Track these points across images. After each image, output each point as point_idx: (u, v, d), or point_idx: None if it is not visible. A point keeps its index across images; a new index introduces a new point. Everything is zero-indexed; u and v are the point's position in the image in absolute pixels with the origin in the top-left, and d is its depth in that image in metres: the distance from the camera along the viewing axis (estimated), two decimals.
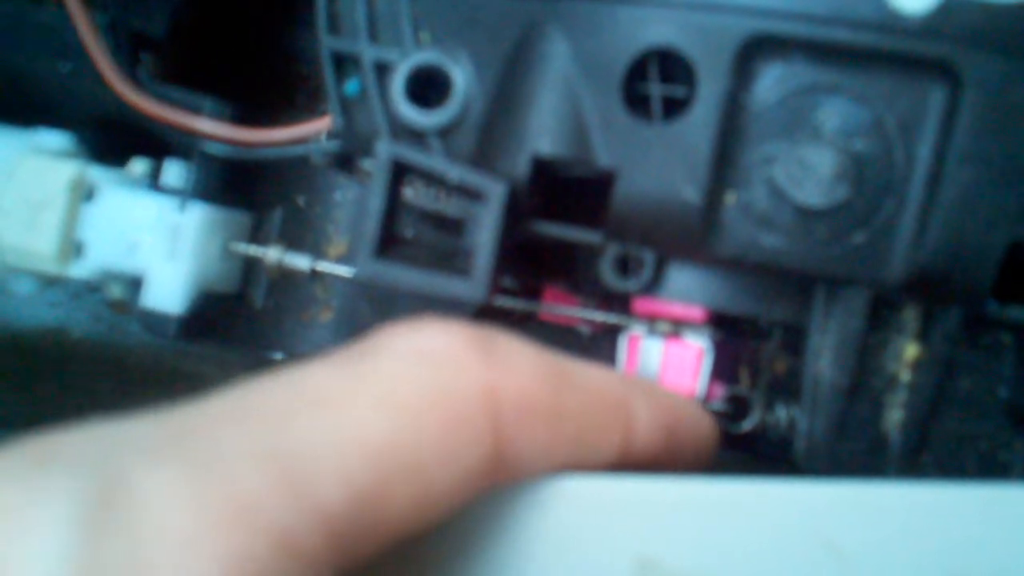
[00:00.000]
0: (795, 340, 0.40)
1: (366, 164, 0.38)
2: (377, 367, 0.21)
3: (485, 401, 0.21)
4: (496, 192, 0.32)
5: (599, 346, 0.44)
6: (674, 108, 0.32)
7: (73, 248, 0.41)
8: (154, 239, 0.41)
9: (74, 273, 0.42)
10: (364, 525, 0.19)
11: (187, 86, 0.44)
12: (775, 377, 0.38)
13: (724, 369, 0.37)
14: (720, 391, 0.37)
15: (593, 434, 0.24)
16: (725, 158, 0.31)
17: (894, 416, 0.34)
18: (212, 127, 0.41)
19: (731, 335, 0.38)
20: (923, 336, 0.34)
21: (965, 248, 0.31)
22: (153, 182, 0.43)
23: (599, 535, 0.23)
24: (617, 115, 0.32)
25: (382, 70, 0.34)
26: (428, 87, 0.34)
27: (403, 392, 0.20)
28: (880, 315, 0.34)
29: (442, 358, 0.22)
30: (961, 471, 0.35)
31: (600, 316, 0.38)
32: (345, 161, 0.40)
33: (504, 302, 0.39)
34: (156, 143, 0.45)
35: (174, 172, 0.43)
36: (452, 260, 0.34)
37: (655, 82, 0.32)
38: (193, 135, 0.42)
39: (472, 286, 0.32)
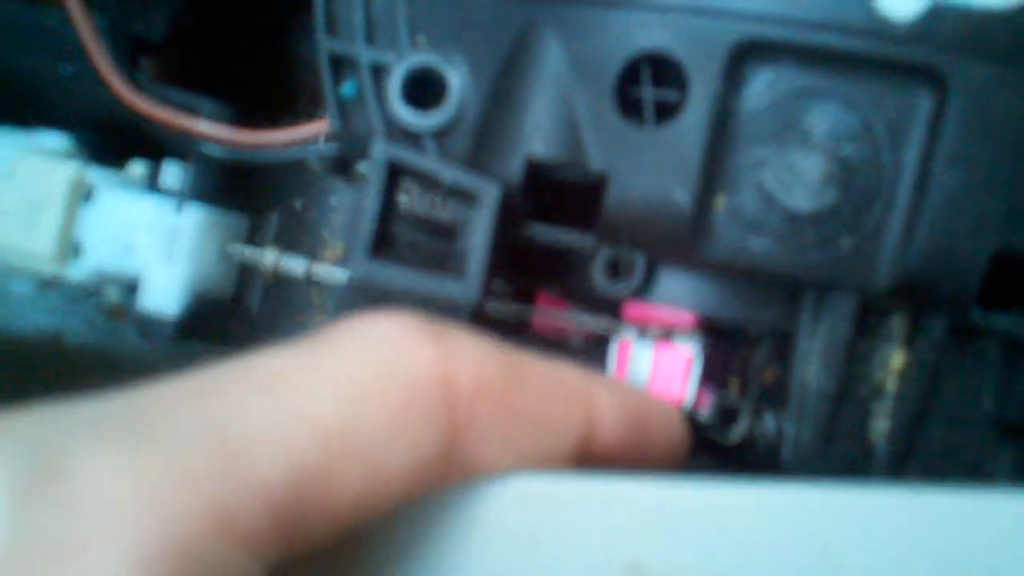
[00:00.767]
0: (785, 349, 0.40)
1: (362, 168, 0.39)
2: (330, 351, 0.21)
3: (438, 384, 0.21)
4: (490, 193, 0.32)
5: (592, 357, 0.44)
6: (666, 112, 0.32)
7: (71, 248, 0.42)
8: (151, 241, 0.41)
9: (71, 274, 0.42)
10: (309, 503, 0.19)
11: (188, 89, 0.45)
12: (765, 386, 0.38)
13: (714, 376, 0.38)
14: (709, 399, 0.37)
15: (552, 420, 0.23)
16: (716, 162, 0.32)
17: (881, 424, 0.35)
18: (210, 128, 0.42)
19: (721, 342, 0.38)
20: (910, 344, 0.34)
21: (951, 254, 0.31)
22: (151, 184, 0.44)
23: (579, 535, 0.23)
24: (610, 118, 0.32)
25: (378, 72, 0.35)
26: (424, 89, 0.34)
27: (354, 373, 0.21)
28: (868, 322, 0.34)
29: (395, 343, 0.22)
30: (947, 481, 0.35)
31: (591, 321, 0.38)
32: (343, 166, 0.41)
33: (497, 308, 0.39)
34: (155, 145, 0.45)
35: (172, 173, 0.44)
36: (446, 262, 0.34)
37: (647, 86, 0.32)
38: (191, 136, 0.42)
39: (465, 287, 0.32)
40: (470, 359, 0.22)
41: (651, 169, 0.32)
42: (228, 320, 0.45)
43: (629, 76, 0.32)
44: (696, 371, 0.36)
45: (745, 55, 0.31)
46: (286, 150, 0.41)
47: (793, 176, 0.31)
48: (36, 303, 0.53)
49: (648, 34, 0.32)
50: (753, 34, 0.31)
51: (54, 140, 0.43)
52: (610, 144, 0.32)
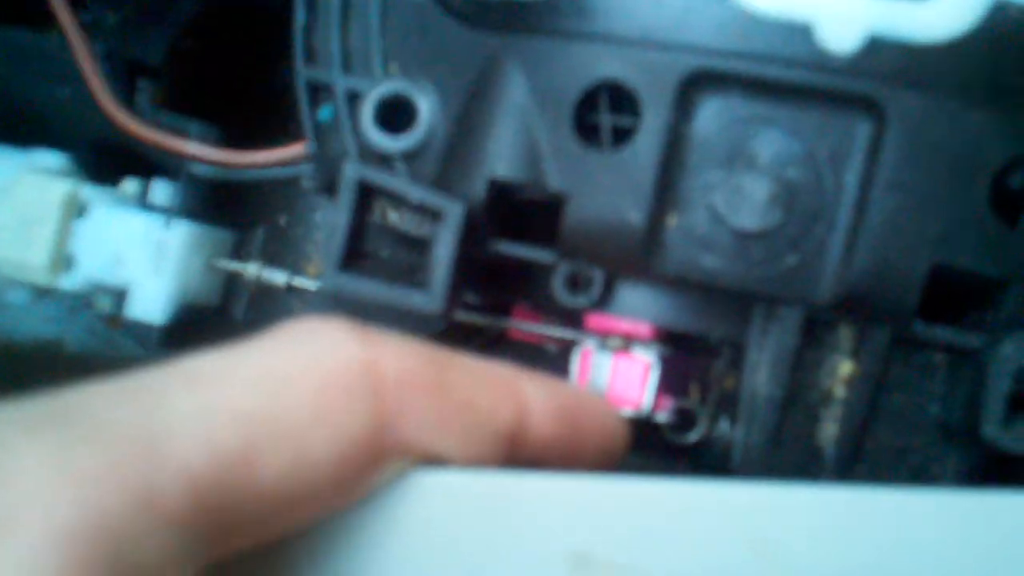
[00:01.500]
0: (744, 359, 0.42)
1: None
2: (255, 348, 0.22)
3: (360, 372, 0.22)
4: (454, 212, 0.34)
5: (566, 364, 0.46)
6: (623, 137, 0.34)
7: (64, 261, 0.44)
8: (140, 254, 0.43)
9: (65, 285, 0.44)
10: (233, 485, 0.19)
11: (185, 113, 0.46)
12: (724, 393, 0.40)
13: (674, 384, 0.40)
14: (668, 403, 0.39)
15: (483, 408, 0.24)
16: (668, 184, 0.34)
17: (829, 430, 0.36)
18: (198, 149, 0.44)
19: (682, 352, 0.40)
20: (856, 354, 0.36)
21: (890, 270, 0.33)
22: (143, 201, 0.46)
23: (523, 529, 0.23)
24: (568, 143, 0.34)
25: (353, 98, 0.37)
26: (395, 114, 0.36)
27: (276, 365, 0.21)
28: (816, 333, 0.36)
29: (319, 339, 0.22)
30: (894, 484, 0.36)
31: (557, 332, 0.40)
32: (331, 187, 0.43)
33: (470, 318, 0.41)
34: (148, 164, 0.47)
35: (161, 191, 0.46)
36: (415, 275, 0.36)
37: (605, 113, 0.34)
38: (181, 157, 0.44)
39: (430, 298, 0.34)
40: (396, 352, 0.23)
41: (607, 190, 0.34)
42: (214, 329, 0.47)
43: (588, 102, 0.34)
44: (654, 377, 0.38)
45: (695, 85, 0.33)
46: (271, 169, 0.44)
47: (741, 198, 0.33)
48: (35, 312, 0.55)
49: (605, 65, 0.33)
50: (702, 66, 0.33)
51: (50, 159, 0.46)
52: (568, 166, 0.34)
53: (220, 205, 0.47)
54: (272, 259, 0.48)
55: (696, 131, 0.34)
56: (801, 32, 0.32)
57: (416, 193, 0.34)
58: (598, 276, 0.36)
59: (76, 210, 0.44)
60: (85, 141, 0.47)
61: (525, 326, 0.41)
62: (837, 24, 0.32)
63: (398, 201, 0.35)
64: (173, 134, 0.44)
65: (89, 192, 0.45)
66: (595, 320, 0.38)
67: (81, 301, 0.54)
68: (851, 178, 0.33)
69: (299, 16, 0.38)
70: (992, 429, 0.33)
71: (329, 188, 0.43)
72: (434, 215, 0.35)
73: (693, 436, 0.39)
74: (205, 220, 0.46)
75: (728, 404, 0.40)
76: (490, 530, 0.23)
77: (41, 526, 0.17)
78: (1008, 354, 0.33)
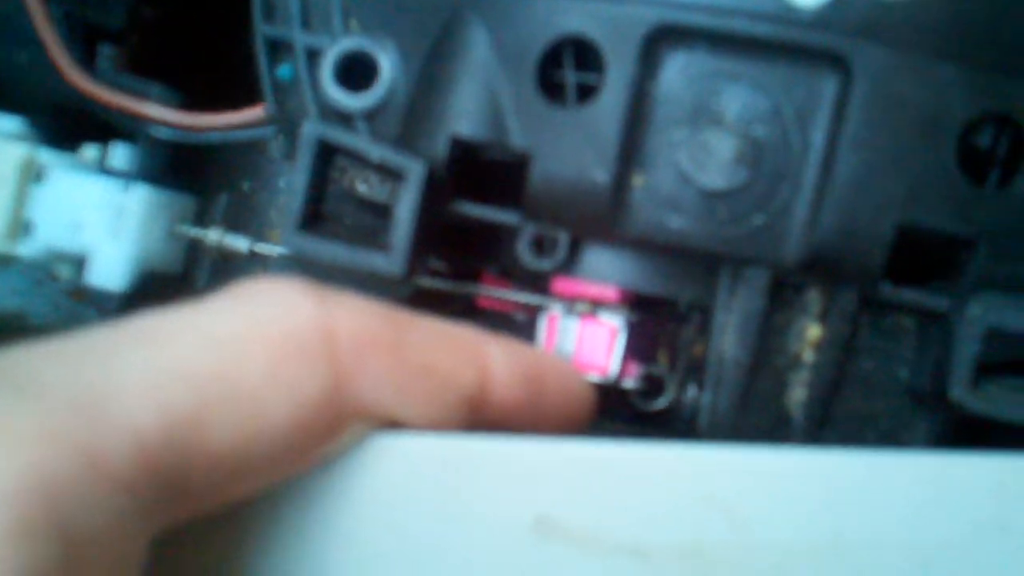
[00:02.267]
0: (711, 322, 0.41)
1: None
2: (207, 308, 0.22)
3: (316, 332, 0.21)
4: (415, 171, 0.33)
5: (533, 334, 0.46)
6: (588, 95, 0.33)
7: (22, 227, 0.43)
8: (99, 218, 0.42)
9: (23, 251, 0.43)
10: (185, 448, 0.19)
11: (149, 77, 0.45)
12: (693, 359, 0.40)
13: (642, 350, 0.39)
14: (636, 369, 0.38)
15: (444, 370, 0.24)
16: (633, 142, 0.33)
17: (797, 394, 0.36)
18: (157, 112, 0.43)
19: (650, 317, 0.39)
20: (825, 318, 0.36)
21: (857, 230, 0.33)
22: (103, 166, 0.45)
23: (487, 492, 0.23)
24: (532, 100, 0.33)
25: (313, 56, 0.36)
26: (356, 72, 0.36)
27: (229, 325, 0.21)
28: (784, 297, 0.35)
29: (273, 299, 0.22)
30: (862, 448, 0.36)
31: (523, 297, 0.39)
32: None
33: (434, 284, 0.41)
34: (108, 128, 0.46)
35: (121, 155, 0.45)
36: (377, 238, 0.35)
37: (570, 69, 0.34)
38: (141, 120, 0.43)
39: (391, 260, 0.33)
40: (353, 313, 0.22)
41: (571, 148, 0.33)
42: (176, 296, 0.47)
43: (552, 59, 0.34)
44: (621, 342, 0.37)
45: (659, 40, 0.33)
46: (234, 134, 0.43)
47: (706, 155, 0.33)
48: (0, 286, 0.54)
49: (568, 20, 0.33)
50: (666, 19, 0.32)
51: (7, 123, 0.45)
52: (532, 124, 0.33)
53: (182, 170, 0.46)
54: (235, 225, 0.47)
55: (661, 87, 0.33)
56: None
57: (376, 152, 0.34)
58: (563, 238, 0.35)
59: (34, 175, 0.43)
60: (43, 105, 0.47)
61: (492, 291, 0.40)
62: None
63: (363, 165, 0.34)
64: (133, 97, 0.43)
65: (47, 156, 0.44)
66: (562, 284, 0.37)
67: (44, 273, 0.53)
68: (818, 135, 0.33)
69: None
70: (960, 392, 0.33)
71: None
72: (395, 175, 0.34)
73: (661, 403, 0.39)
74: (166, 185, 0.45)
75: (697, 371, 0.40)
76: (451, 495, 0.23)
77: None
78: (975, 316, 0.33)
